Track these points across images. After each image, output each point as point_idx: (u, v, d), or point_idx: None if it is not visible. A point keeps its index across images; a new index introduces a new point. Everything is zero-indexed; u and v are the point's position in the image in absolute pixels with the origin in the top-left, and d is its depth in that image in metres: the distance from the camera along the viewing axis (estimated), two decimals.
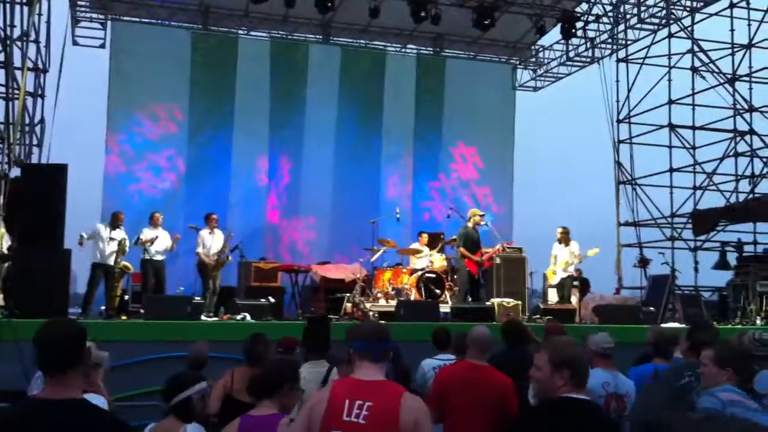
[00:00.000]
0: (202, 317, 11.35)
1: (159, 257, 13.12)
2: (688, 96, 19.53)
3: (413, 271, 14.06)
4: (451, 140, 21.19)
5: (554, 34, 19.96)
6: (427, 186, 20.92)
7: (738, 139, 19.02)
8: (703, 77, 19.03)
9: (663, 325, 10.84)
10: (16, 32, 13.36)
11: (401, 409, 3.59)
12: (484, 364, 5.51)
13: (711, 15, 19.29)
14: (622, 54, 20.20)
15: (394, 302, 12.92)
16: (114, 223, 12.69)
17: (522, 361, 5.04)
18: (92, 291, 12.40)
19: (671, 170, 19.54)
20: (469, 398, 5.21)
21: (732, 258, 17.90)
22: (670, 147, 19.52)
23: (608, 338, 6.01)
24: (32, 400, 3.03)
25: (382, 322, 11.07)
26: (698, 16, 19.27)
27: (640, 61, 19.77)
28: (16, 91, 13.31)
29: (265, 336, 6.25)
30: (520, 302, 13.34)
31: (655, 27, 19.59)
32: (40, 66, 15.82)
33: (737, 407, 4.05)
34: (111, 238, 12.43)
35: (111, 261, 12.45)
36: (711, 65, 18.76)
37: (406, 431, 3.57)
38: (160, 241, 13.09)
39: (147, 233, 13.05)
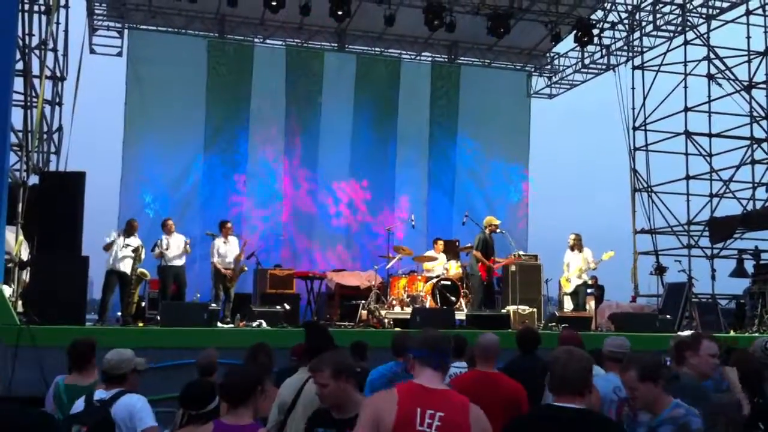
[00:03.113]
0: (219, 324, 11.40)
1: (178, 262, 13.12)
2: (704, 103, 19.45)
3: (428, 279, 14.05)
4: (466, 147, 21.19)
5: (569, 41, 19.94)
6: (442, 193, 20.89)
7: (755, 146, 18.94)
8: (720, 84, 18.96)
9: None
10: (35, 41, 13.51)
11: (471, 420, 3.64)
12: (494, 371, 5.50)
13: (727, 22, 19.22)
14: (637, 61, 20.20)
15: (409, 309, 12.91)
16: (128, 230, 12.66)
17: (534, 368, 5.03)
18: (107, 297, 12.40)
19: (687, 177, 19.45)
20: (481, 406, 5.18)
21: (749, 266, 17.79)
22: (687, 154, 19.43)
23: (621, 341, 5.93)
24: None
25: (398, 329, 11.12)
26: (714, 23, 19.22)
27: (656, 68, 19.75)
28: (35, 99, 13.44)
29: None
30: (535, 310, 13.35)
31: (671, 34, 19.57)
32: (58, 74, 16.01)
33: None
34: (126, 245, 12.38)
35: (124, 267, 12.37)
36: (727, 72, 18.69)
37: None
38: (173, 246, 13.06)
39: (162, 242, 13.07)
